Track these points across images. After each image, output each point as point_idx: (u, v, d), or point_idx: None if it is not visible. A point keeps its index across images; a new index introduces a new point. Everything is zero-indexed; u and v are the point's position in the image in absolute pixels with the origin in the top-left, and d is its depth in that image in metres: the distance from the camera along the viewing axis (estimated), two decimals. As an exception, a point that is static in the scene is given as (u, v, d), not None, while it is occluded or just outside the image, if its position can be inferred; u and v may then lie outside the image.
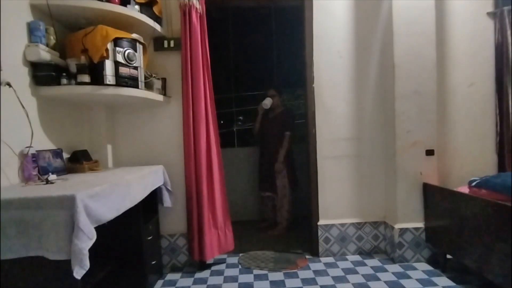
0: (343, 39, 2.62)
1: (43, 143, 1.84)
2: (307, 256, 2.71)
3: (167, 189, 2.42)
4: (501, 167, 2.53)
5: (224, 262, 2.64)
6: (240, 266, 2.56)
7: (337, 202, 2.68)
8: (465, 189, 2.14)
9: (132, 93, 2.05)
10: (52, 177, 1.63)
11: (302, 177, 3.15)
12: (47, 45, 1.81)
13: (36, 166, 1.69)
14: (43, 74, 1.80)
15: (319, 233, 2.67)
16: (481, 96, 2.55)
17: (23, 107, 1.67)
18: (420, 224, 2.46)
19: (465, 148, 2.55)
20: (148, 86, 2.26)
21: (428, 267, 2.38)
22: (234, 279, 2.34)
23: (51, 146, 1.92)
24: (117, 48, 1.93)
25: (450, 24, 2.50)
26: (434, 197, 2.34)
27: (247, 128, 4.29)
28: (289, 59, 4.17)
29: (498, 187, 1.89)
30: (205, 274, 2.45)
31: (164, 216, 2.55)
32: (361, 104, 2.66)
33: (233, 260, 2.69)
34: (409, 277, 2.25)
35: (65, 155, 2.02)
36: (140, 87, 2.11)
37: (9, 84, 1.58)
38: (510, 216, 1.62)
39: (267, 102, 3.34)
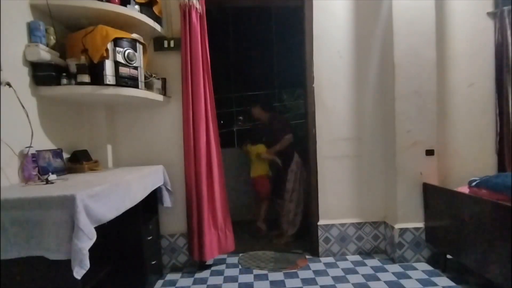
0: (343, 39, 2.62)
1: (43, 143, 1.84)
2: (307, 256, 2.71)
3: (167, 189, 2.42)
4: (501, 167, 2.53)
5: (224, 262, 2.64)
6: (240, 266, 2.56)
7: (337, 202, 2.68)
8: (465, 189, 2.14)
9: (132, 93, 2.05)
10: (52, 177, 1.63)
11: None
12: (47, 45, 1.81)
13: (36, 166, 1.69)
14: (43, 74, 1.80)
15: (319, 233, 2.67)
16: (481, 96, 2.55)
17: (23, 107, 1.67)
18: (420, 224, 2.46)
19: (465, 148, 2.55)
20: (148, 86, 2.26)
21: (428, 267, 2.38)
22: (234, 279, 2.34)
23: (51, 146, 1.92)
24: (117, 48, 1.94)
25: (450, 24, 2.50)
26: (434, 197, 2.34)
27: (247, 128, 4.28)
28: (289, 59, 4.16)
29: (498, 187, 1.89)
30: (205, 274, 2.45)
31: (164, 216, 2.55)
32: (361, 104, 2.66)
33: (233, 260, 2.69)
34: (409, 277, 2.25)
35: (65, 155, 2.02)
36: (140, 87, 2.11)
37: (9, 84, 1.58)
38: (510, 216, 1.62)
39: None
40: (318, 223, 2.67)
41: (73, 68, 1.89)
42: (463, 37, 2.51)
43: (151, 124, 2.56)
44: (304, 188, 3.11)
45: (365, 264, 2.50)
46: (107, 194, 1.46)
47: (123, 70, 1.97)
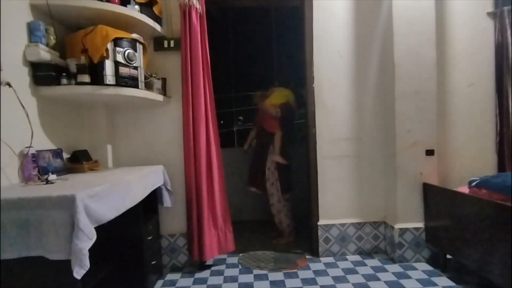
0: (343, 39, 2.62)
1: (43, 143, 1.84)
2: (307, 256, 2.71)
3: (167, 189, 2.42)
4: (501, 167, 2.53)
5: (224, 262, 2.64)
6: (240, 266, 2.56)
7: (337, 202, 2.68)
8: (465, 189, 2.14)
9: (132, 93, 2.05)
10: (52, 177, 1.63)
11: (302, 177, 3.12)
12: (47, 45, 1.81)
13: (36, 166, 1.69)
14: (43, 74, 1.80)
15: (319, 233, 2.67)
16: (481, 96, 2.55)
17: (23, 107, 1.66)
18: (420, 224, 2.46)
19: (465, 148, 2.55)
20: (148, 86, 2.26)
21: (428, 267, 2.38)
22: (234, 279, 2.34)
23: (51, 146, 1.92)
24: (117, 48, 1.93)
25: (450, 24, 2.50)
26: (434, 197, 2.34)
27: (247, 128, 4.28)
28: (289, 59, 4.17)
29: (498, 187, 1.89)
30: (205, 274, 2.45)
31: (164, 216, 2.55)
32: (361, 104, 2.66)
33: (233, 260, 2.69)
34: (409, 277, 2.25)
35: (65, 155, 2.02)
36: (140, 87, 2.11)
37: (9, 84, 1.58)
38: (510, 216, 1.62)
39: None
40: (318, 223, 2.67)
41: (73, 68, 1.89)
42: (463, 37, 2.51)
43: (151, 124, 2.56)
44: (286, 187, 3.10)
45: (365, 264, 2.50)
46: (107, 194, 1.46)
47: (123, 70, 1.97)
